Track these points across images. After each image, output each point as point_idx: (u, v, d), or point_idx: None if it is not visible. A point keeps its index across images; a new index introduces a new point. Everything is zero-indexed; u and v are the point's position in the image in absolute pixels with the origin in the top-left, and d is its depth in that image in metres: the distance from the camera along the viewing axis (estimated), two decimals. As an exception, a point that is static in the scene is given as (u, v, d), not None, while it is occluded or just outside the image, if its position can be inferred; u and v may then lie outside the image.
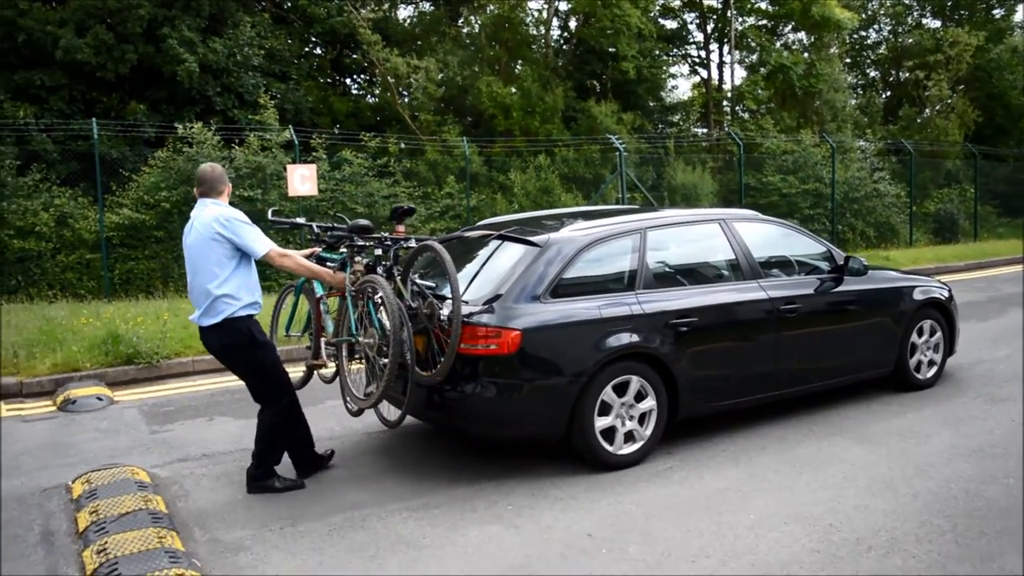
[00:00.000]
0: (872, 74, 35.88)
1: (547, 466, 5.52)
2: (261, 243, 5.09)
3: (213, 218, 5.05)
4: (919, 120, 29.03)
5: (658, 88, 27.75)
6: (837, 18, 25.15)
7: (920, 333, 7.21)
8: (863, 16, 32.01)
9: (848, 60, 32.71)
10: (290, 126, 16.66)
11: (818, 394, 6.79)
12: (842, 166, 22.12)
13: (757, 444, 5.91)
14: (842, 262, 6.79)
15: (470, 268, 5.84)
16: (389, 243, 5.43)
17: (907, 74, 31.90)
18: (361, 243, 5.43)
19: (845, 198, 21.78)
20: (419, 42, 24.36)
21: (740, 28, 28.77)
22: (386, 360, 4.98)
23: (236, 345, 5.18)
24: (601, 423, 5.40)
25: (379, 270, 5.36)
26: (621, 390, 5.49)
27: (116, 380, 8.47)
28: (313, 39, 24.39)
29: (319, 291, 5.80)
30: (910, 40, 32.38)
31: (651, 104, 27.79)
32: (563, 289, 5.45)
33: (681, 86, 52.11)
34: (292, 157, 15.88)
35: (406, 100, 22.29)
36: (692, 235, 6.44)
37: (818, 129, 25.05)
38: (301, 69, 22.68)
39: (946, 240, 23.22)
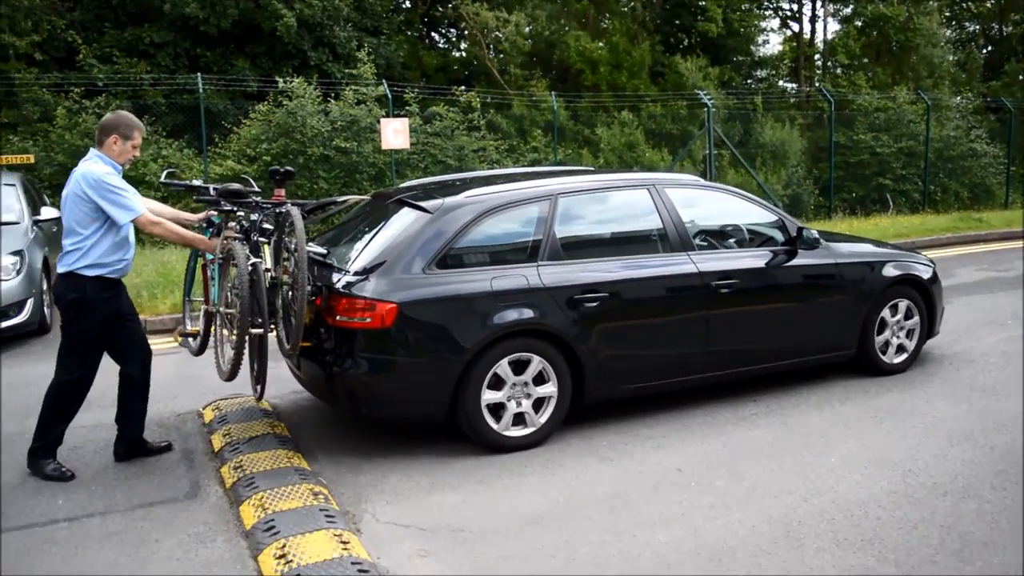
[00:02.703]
0: (972, 28, 34.55)
1: (639, 407, 5.84)
2: (128, 210, 4.79)
3: (82, 175, 4.79)
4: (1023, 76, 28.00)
5: (748, 42, 27.32)
6: (939, -31, 24.37)
7: (891, 313, 6.58)
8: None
9: (948, 14, 31.58)
10: (384, 81, 17.11)
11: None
12: (937, 124, 21.60)
13: (840, 395, 6.15)
14: (795, 233, 6.19)
15: (365, 235, 5.55)
16: (267, 207, 5.18)
17: (1011, 28, 30.66)
18: (229, 207, 5.11)
19: (939, 157, 21.31)
20: (507, -4, 24.51)
21: (835, -20, 28.08)
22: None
23: (61, 296, 4.91)
24: (491, 402, 5.10)
25: (254, 236, 5.10)
26: (518, 369, 5.16)
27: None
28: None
29: (210, 257, 5.47)
30: (1016, -8, 31.08)
31: (740, 59, 27.40)
32: (453, 259, 5.12)
33: (771, 40, 50.91)
34: (386, 111, 16.36)
35: (494, 55, 22.52)
36: (613, 202, 5.91)
37: (913, 86, 24.42)
38: (392, 24, 23.10)
39: (1046, 202, 22.56)
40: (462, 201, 5.33)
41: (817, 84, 26.24)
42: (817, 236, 6.28)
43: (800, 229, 6.22)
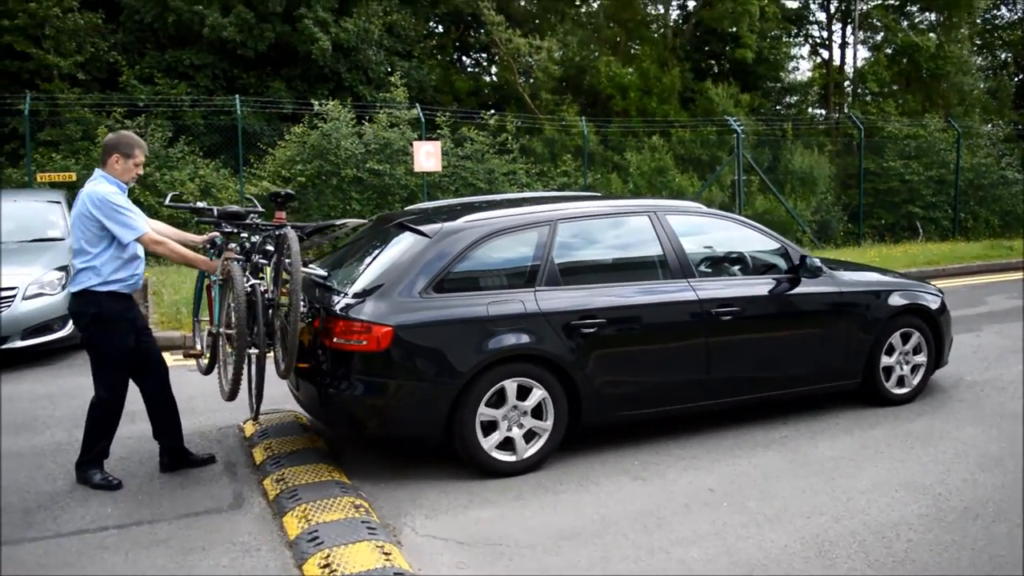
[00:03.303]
0: (1004, 55, 34.43)
1: (671, 429, 5.93)
2: (131, 229, 4.90)
3: (87, 194, 4.92)
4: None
5: (778, 69, 27.43)
6: (970, -4, 24.40)
7: (898, 343, 6.50)
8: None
9: (979, 41, 31.53)
10: (417, 104, 17.38)
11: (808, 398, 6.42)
12: (968, 152, 21.56)
13: (870, 420, 6.20)
14: (798, 261, 6.17)
15: (367, 257, 5.62)
16: (267, 229, 5.25)
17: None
18: (229, 229, 5.23)
19: (970, 185, 21.25)
20: (538, 21, 24.79)
21: (865, 7, 28.13)
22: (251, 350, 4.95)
23: (80, 315, 5.04)
24: (487, 419, 5.12)
25: (255, 257, 5.22)
26: (517, 394, 5.18)
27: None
28: (436, 18, 25.12)
29: (215, 278, 5.51)
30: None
31: (770, 85, 27.52)
32: (450, 283, 5.16)
33: (800, 67, 50.97)
34: (418, 134, 16.61)
35: (525, 79, 22.79)
36: (613, 228, 5.94)
37: (943, 113, 24.39)
38: (425, 48, 23.45)
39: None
40: (461, 226, 5.38)
41: (847, 111, 26.29)
42: (820, 264, 6.23)
43: (803, 257, 6.20)
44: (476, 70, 27.41)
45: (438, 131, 17.21)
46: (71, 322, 8.64)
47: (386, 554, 4.03)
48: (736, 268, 6.26)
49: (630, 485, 5.03)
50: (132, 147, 5.05)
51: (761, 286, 6.07)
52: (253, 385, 5.24)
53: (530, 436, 5.26)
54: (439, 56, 25.05)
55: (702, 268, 6.01)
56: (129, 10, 19.22)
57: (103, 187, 4.95)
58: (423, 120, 16.56)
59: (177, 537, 4.42)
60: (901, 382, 6.57)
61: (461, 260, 5.23)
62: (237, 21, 18.66)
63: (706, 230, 6.32)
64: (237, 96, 16.14)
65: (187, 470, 5.39)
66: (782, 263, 6.26)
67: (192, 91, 18.67)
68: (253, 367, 5.17)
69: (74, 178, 14.61)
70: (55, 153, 15.85)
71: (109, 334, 5.03)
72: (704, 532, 4.37)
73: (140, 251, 5.14)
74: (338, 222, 6.16)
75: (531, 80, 22.52)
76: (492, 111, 19.14)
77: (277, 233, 5.15)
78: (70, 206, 10.30)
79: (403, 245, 5.38)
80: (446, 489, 5.00)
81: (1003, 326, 9.64)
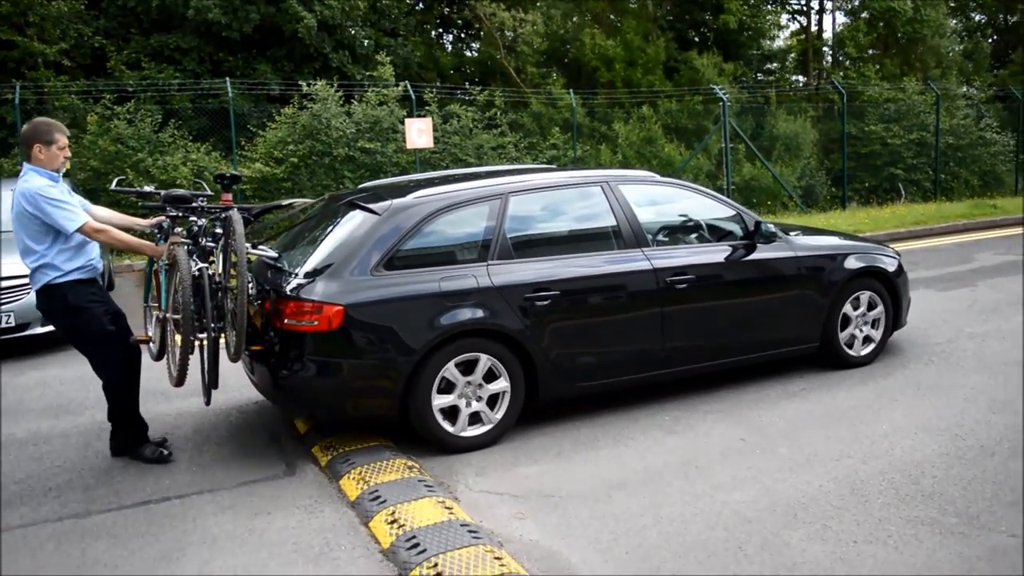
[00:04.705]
0: (978, 18, 34.85)
1: (693, 386, 6.19)
2: (70, 221, 4.86)
3: (20, 193, 4.85)
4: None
5: (761, 37, 27.63)
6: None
7: (855, 306, 6.57)
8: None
9: (953, 4, 31.88)
10: (406, 82, 17.47)
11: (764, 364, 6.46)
12: (947, 114, 21.93)
13: (883, 371, 6.50)
14: (753, 228, 6.19)
15: (317, 237, 5.55)
16: (213, 212, 5.21)
17: (1016, 17, 30.95)
18: (174, 213, 5.19)
19: (949, 147, 21.65)
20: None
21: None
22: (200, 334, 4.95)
23: (52, 311, 5.08)
24: (442, 403, 5.13)
25: (203, 240, 5.14)
26: (467, 370, 5.19)
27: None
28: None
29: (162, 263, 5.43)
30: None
31: (752, 53, 27.74)
32: (401, 260, 5.15)
33: (779, 35, 51.09)
34: (407, 111, 16.71)
35: (509, 53, 22.87)
36: (565, 200, 5.91)
37: (922, 76, 24.74)
38: (408, 25, 23.46)
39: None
40: (410, 202, 5.36)
41: (827, 77, 26.58)
42: (775, 229, 6.27)
43: (758, 223, 6.20)
44: (459, 46, 27.45)
45: (426, 108, 17.31)
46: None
47: (448, 508, 4.27)
48: (691, 236, 6.25)
49: (665, 438, 5.29)
50: (51, 132, 4.95)
51: (716, 253, 6.07)
52: (206, 369, 5.16)
53: (491, 404, 5.30)
54: (421, 33, 25.05)
55: (657, 237, 6.03)
56: (111, -5, 19.16)
57: (35, 181, 4.87)
58: (414, 97, 16.65)
59: (240, 503, 4.63)
60: (860, 345, 6.63)
61: (412, 236, 5.22)
62: (222, 3, 18.62)
63: (660, 199, 6.34)
64: (227, 79, 16.16)
65: (235, 443, 5.58)
66: (738, 229, 6.26)
67: (179, 75, 18.64)
68: (206, 352, 5.11)
69: (68, 167, 14.62)
70: (45, 142, 15.82)
71: (86, 321, 5.05)
72: (743, 477, 4.63)
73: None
74: (284, 202, 6.06)
75: (516, 54, 22.59)
76: (479, 87, 19.21)
77: (223, 216, 5.12)
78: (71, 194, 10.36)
79: (353, 223, 5.33)
80: (492, 449, 5.23)
81: (995, 280, 9.97)
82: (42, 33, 17.40)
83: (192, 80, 18.07)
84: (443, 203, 5.40)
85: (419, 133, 15.38)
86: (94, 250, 5.16)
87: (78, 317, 5.03)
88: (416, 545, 3.88)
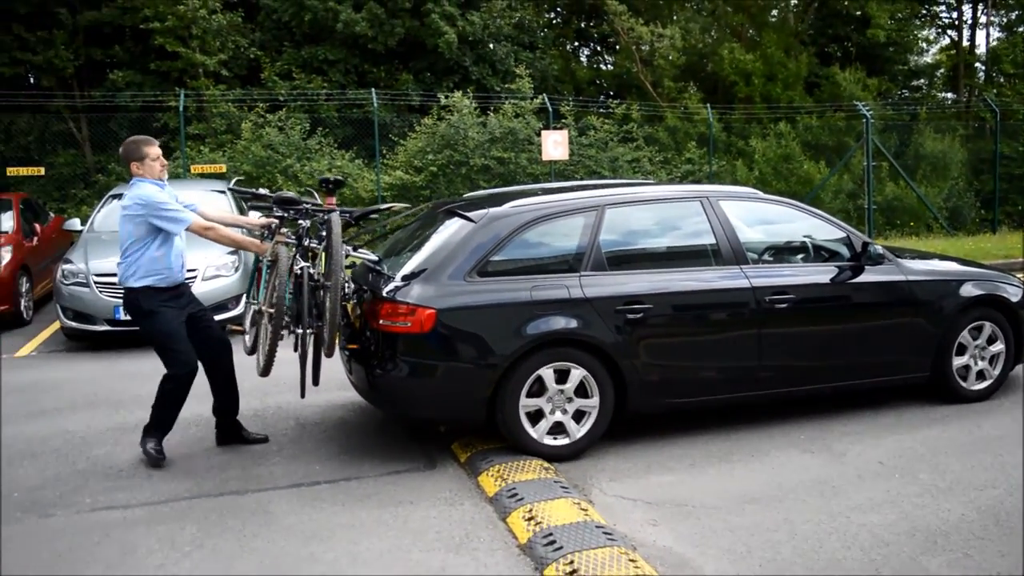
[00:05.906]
0: None
1: (831, 406, 6.12)
2: (178, 222, 5.27)
3: (132, 197, 5.26)
4: None
5: (907, 51, 26.67)
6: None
7: (973, 336, 6.20)
8: None
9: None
10: (544, 95, 17.77)
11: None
12: (1112, 135, 20.66)
13: (1027, 401, 6.29)
14: (860, 249, 5.99)
15: (416, 243, 5.71)
16: (317, 214, 5.43)
17: None
18: (281, 214, 5.44)
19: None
20: (659, 8, 24.81)
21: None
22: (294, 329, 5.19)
23: (130, 311, 5.51)
24: (529, 406, 5.17)
25: (307, 241, 5.38)
26: (561, 379, 5.21)
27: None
28: (558, 9, 25.47)
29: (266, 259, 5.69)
30: None
31: (898, 68, 26.82)
32: (495, 268, 5.23)
33: (928, 49, 49.11)
34: (544, 123, 17.00)
35: (646, 67, 22.88)
36: (663, 214, 5.86)
37: (1085, 94, 23.37)
38: (547, 39, 23.82)
39: None
40: (506, 211, 5.44)
41: (979, 94, 25.41)
42: (883, 251, 6.07)
43: (865, 244, 6.02)
44: (595, 59, 27.64)
45: (562, 120, 17.55)
46: (243, 299, 9.37)
47: (583, 510, 4.41)
48: (794, 255, 6.14)
49: (800, 457, 5.28)
50: (139, 148, 5.35)
51: (819, 274, 5.93)
52: (308, 364, 5.41)
53: (577, 419, 5.32)
54: (558, 47, 25.37)
55: (758, 255, 5.91)
56: (267, 10, 20.24)
57: (146, 189, 5.29)
58: (551, 110, 16.92)
59: (385, 492, 4.89)
60: (976, 377, 6.27)
61: (506, 245, 5.29)
62: (368, 16, 19.43)
63: (763, 216, 6.23)
64: (372, 90, 16.84)
65: (379, 436, 5.89)
66: (844, 250, 6.07)
67: (326, 85, 19.54)
68: (309, 349, 5.37)
69: (223, 170, 15.55)
70: (203, 146, 16.88)
71: (156, 323, 5.35)
72: (880, 500, 4.58)
73: (177, 247, 5.43)
74: (383, 207, 6.32)
75: (652, 67, 22.60)
76: (617, 100, 19.34)
77: (324, 218, 5.38)
78: (233, 197, 11.00)
79: (451, 230, 5.47)
80: (625, 456, 5.34)
81: None
82: (203, 45, 18.55)
83: (339, 91, 18.90)
84: (538, 213, 5.48)
85: (555, 145, 15.62)
86: (178, 259, 5.46)
87: (148, 320, 5.38)
88: (553, 542, 4.03)
